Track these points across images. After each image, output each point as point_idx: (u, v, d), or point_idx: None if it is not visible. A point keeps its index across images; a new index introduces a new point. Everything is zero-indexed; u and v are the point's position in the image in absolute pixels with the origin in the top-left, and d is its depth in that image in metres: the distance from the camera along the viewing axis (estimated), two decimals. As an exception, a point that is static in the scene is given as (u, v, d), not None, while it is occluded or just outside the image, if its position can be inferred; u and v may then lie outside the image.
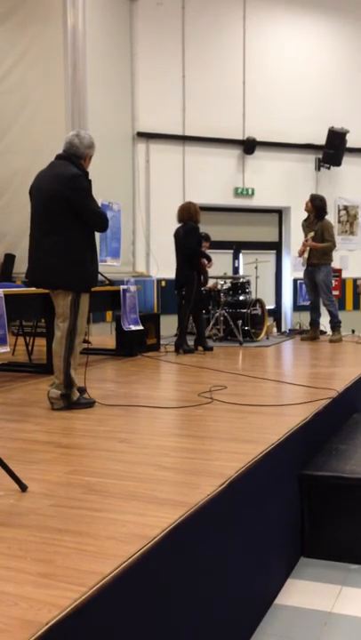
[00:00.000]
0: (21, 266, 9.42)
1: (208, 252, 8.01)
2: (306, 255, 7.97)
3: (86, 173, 4.09)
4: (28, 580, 1.72)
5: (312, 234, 7.90)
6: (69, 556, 1.87)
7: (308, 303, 8.57)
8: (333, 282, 8.48)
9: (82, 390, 4.23)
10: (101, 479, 2.60)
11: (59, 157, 4.13)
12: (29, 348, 6.31)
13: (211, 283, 8.34)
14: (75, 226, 3.97)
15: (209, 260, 7.87)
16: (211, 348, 7.11)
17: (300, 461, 3.48)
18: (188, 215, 7.00)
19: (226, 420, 3.73)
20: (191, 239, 6.94)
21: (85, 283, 4.06)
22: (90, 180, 4.11)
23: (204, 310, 7.77)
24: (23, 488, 2.43)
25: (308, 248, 7.92)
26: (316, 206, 8.03)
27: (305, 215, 8.26)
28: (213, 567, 2.34)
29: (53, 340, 4.12)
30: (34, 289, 4.69)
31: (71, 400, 4.06)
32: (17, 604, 1.58)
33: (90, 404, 4.15)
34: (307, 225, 8.15)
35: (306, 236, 8.08)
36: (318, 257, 7.93)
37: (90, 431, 3.51)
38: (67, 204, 3.92)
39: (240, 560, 2.60)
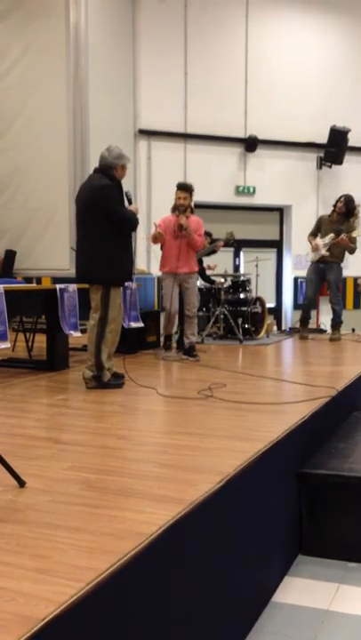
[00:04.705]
0: (22, 262, 9.42)
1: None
2: (323, 252, 7.86)
3: (117, 183, 4.58)
4: (25, 576, 1.72)
5: (358, 232, 7.79)
6: (67, 552, 1.87)
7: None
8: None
9: (120, 376, 4.78)
10: (100, 476, 2.60)
11: (94, 171, 4.67)
12: (29, 344, 6.32)
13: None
14: (106, 229, 4.49)
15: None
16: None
17: (299, 459, 3.48)
18: None
19: (225, 418, 3.73)
20: None
21: (113, 278, 4.55)
22: (121, 189, 4.60)
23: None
24: (21, 484, 2.44)
25: (328, 246, 7.83)
26: (349, 208, 7.89)
27: (305, 214, 8.23)
28: (211, 564, 2.34)
29: (88, 328, 4.66)
30: (34, 285, 4.77)
31: (102, 381, 4.59)
32: (14, 600, 1.59)
33: (119, 385, 4.65)
34: (329, 221, 8.01)
35: (322, 231, 7.95)
36: (336, 255, 7.88)
37: (89, 427, 3.51)
38: (99, 210, 4.45)
39: (238, 557, 2.60)
